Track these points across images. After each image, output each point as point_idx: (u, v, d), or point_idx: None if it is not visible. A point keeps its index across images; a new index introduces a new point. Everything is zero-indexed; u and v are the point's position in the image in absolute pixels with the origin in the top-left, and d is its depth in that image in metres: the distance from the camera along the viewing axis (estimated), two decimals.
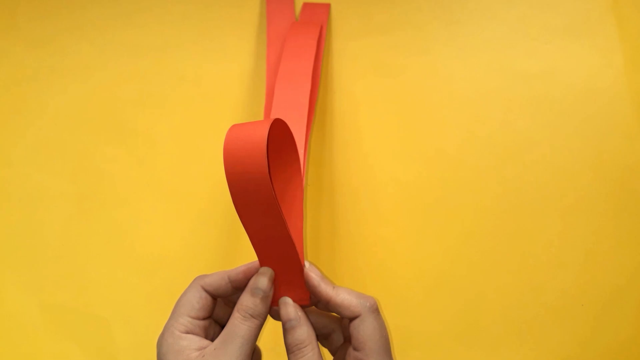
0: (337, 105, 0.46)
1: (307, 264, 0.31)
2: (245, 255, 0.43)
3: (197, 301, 0.30)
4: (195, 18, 0.49)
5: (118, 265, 0.44)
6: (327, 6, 0.49)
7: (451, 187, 0.44)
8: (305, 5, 0.48)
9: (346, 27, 0.48)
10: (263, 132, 0.27)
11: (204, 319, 0.31)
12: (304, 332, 0.30)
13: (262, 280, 0.30)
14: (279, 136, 0.31)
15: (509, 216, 0.44)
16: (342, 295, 0.30)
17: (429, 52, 0.47)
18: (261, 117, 0.46)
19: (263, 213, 0.28)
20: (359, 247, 0.44)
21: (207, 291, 0.31)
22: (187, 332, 0.29)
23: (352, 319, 0.30)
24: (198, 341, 0.29)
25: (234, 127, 0.29)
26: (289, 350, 0.30)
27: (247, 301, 0.30)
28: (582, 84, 0.46)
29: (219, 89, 0.47)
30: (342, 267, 0.43)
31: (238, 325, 0.29)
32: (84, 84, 0.48)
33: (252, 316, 0.29)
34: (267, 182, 0.27)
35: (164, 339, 0.29)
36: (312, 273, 0.31)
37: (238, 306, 0.30)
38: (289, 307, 0.30)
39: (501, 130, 0.45)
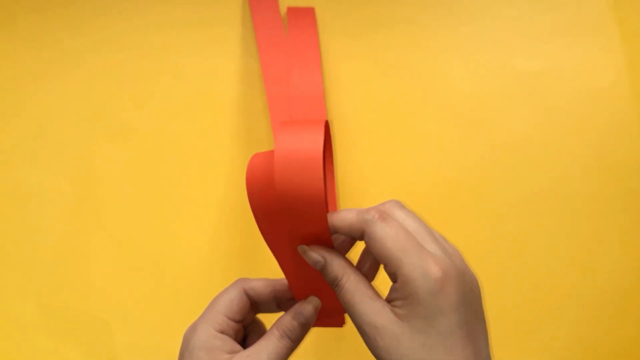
0: (336, 105, 0.46)
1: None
2: (246, 255, 0.43)
3: (237, 303, 0.30)
4: (192, 17, 0.49)
5: (117, 266, 0.44)
6: (312, 10, 0.48)
7: (451, 187, 0.44)
8: (290, 9, 0.48)
9: (345, 26, 0.48)
10: (319, 143, 0.26)
11: (237, 321, 0.30)
12: (333, 268, 0.28)
13: (307, 308, 0.30)
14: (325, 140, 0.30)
15: (509, 216, 0.44)
16: (340, 215, 0.28)
17: (429, 52, 0.47)
18: (260, 114, 0.46)
19: (312, 240, 0.28)
20: (359, 248, 0.44)
21: (248, 295, 0.31)
22: (222, 332, 0.29)
23: (362, 238, 0.27)
24: (231, 344, 0.29)
25: (285, 129, 0.27)
26: (331, 286, 0.29)
27: (288, 323, 0.30)
28: (582, 84, 0.46)
29: (216, 87, 0.47)
30: None
31: (274, 340, 0.29)
32: (82, 83, 0.48)
33: (289, 337, 0.29)
34: (324, 208, 0.26)
35: (197, 334, 0.29)
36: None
37: (278, 324, 0.30)
38: (308, 252, 0.29)
39: (501, 129, 0.45)
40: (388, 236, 0.26)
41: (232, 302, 0.30)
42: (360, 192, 0.44)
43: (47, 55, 0.49)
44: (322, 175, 0.26)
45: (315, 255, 0.28)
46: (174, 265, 0.44)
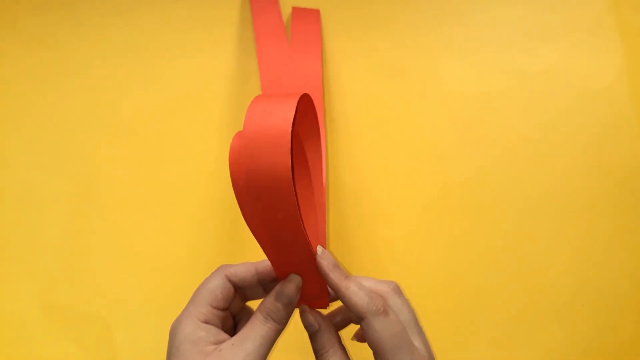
0: (337, 106, 0.46)
1: (319, 250, 0.30)
2: (246, 254, 0.43)
3: (221, 291, 0.30)
4: (192, 18, 0.49)
5: (118, 265, 0.44)
6: (317, 12, 0.48)
7: (451, 188, 0.44)
8: (295, 9, 0.48)
9: (345, 27, 0.48)
10: (288, 117, 0.25)
11: (223, 309, 0.30)
12: (323, 337, 0.30)
13: (289, 287, 0.30)
14: (303, 114, 0.29)
15: (509, 216, 0.44)
16: (351, 290, 0.29)
17: (429, 52, 0.47)
18: None
19: (281, 218, 0.27)
20: (360, 248, 0.44)
21: (231, 281, 0.30)
22: (207, 322, 0.29)
23: (361, 319, 0.29)
24: (216, 333, 0.29)
25: (256, 103, 0.26)
26: (315, 354, 0.30)
27: (271, 304, 0.29)
28: (582, 84, 0.46)
29: (216, 87, 0.47)
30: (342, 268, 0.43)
31: (259, 325, 0.29)
32: (82, 83, 0.48)
33: (273, 319, 0.29)
34: (290, 184, 0.25)
35: (182, 326, 0.28)
36: (323, 260, 0.30)
37: (261, 307, 0.30)
38: (307, 314, 0.31)
39: (501, 130, 0.45)
40: (386, 331, 0.28)
41: (215, 290, 0.30)
42: (360, 191, 0.44)
43: (47, 56, 0.49)
44: (288, 151, 0.25)
45: (312, 319, 0.30)
46: (174, 265, 0.44)
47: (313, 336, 0.30)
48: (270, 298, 0.30)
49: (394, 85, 0.47)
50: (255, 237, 0.29)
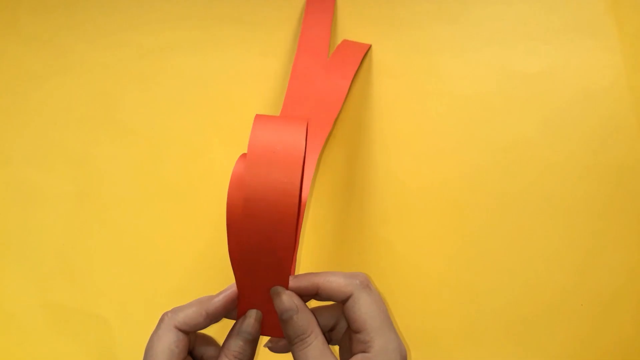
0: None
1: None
2: None
3: (176, 345, 0.28)
4: (195, 17, 0.49)
5: (118, 265, 0.44)
6: (367, 46, 0.47)
7: (451, 188, 0.44)
8: (345, 42, 0.47)
9: (346, 27, 0.48)
10: (300, 143, 0.25)
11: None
12: (303, 320, 0.27)
13: (250, 323, 0.28)
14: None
15: (509, 216, 0.44)
16: (329, 278, 0.28)
17: (429, 53, 0.47)
18: (262, 112, 0.46)
19: (277, 242, 0.26)
20: (360, 248, 0.44)
21: (182, 331, 0.28)
22: None
23: (344, 300, 0.27)
24: None
25: (259, 128, 0.25)
26: (291, 342, 0.27)
27: (235, 346, 0.28)
28: (582, 84, 0.46)
29: (216, 87, 0.47)
30: (343, 268, 0.43)
31: None
32: (84, 83, 0.48)
33: None
34: (295, 208, 0.25)
35: None
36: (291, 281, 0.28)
37: (226, 351, 0.28)
38: (283, 296, 0.27)
39: (501, 130, 0.45)
40: (374, 304, 0.27)
41: (170, 347, 0.28)
42: (358, 190, 0.44)
43: (48, 55, 0.49)
44: (299, 176, 0.25)
45: (290, 301, 0.27)
46: (175, 264, 0.44)
47: (289, 321, 0.27)
48: (232, 339, 0.28)
49: (394, 85, 0.47)
50: (232, 264, 0.28)
